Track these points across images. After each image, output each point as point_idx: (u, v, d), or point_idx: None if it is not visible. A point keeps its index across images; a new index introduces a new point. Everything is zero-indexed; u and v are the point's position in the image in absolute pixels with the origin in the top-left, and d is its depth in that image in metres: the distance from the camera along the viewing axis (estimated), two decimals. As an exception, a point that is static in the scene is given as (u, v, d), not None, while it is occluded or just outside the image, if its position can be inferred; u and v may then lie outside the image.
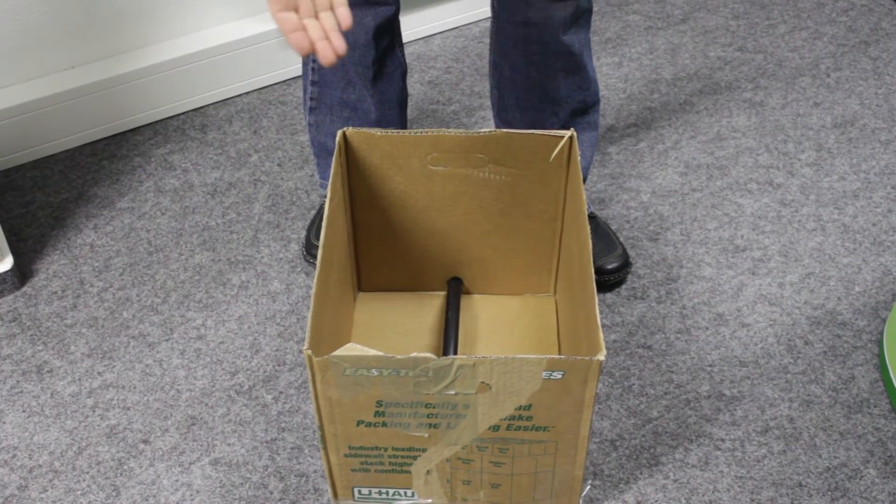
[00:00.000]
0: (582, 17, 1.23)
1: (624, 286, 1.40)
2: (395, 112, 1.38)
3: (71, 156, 1.68)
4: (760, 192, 1.56)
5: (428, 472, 1.04)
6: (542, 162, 1.15)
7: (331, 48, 0.89)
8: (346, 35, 1.26)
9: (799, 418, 1.22)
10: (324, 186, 1.46)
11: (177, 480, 1.17)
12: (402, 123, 1.42)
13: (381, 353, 0.89)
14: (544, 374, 0.90)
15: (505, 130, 1.12)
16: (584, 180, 1.38)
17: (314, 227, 1.45)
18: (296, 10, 0.90)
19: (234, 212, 1.55)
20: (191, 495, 1.15)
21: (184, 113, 1.77)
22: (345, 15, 0.90)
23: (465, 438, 0.99)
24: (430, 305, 1.30)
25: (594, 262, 1.00)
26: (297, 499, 1.14)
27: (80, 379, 1.29)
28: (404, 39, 1.92)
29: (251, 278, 1.43)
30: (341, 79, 1.33)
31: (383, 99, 1.35)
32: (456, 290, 1.28)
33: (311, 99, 1.37)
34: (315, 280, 0.96)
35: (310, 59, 1.34)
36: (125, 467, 1.19)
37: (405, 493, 1.08)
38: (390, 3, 1.27)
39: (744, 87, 1.81)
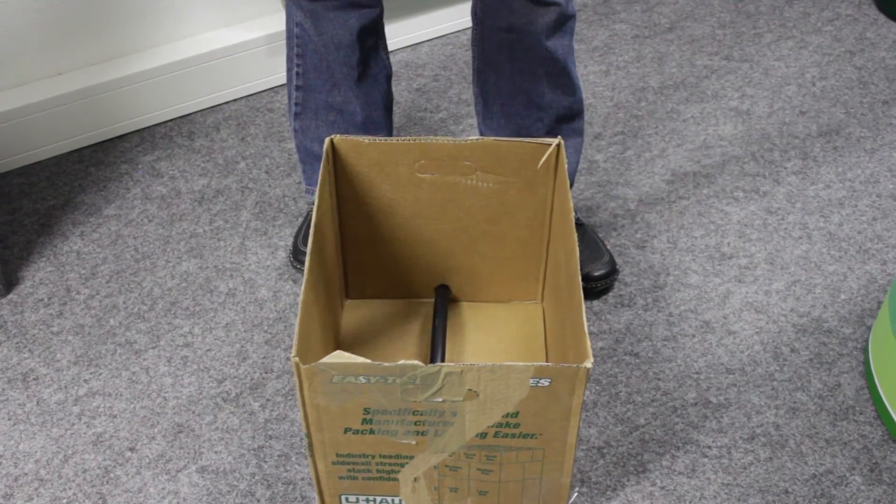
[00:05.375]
0: (566, 23, 1.24)
1: (611, 293, 1.41)
2: (381, 113, 1.39)
3: (57, 163, 1.67)
4: (747, 200, 1.57)
5: (415, 479, 1.04)
6: (529, 169, 1.15)
7: None
8: (331, 36, 1.27)
9: (785, 425, 1.22)
10: (311, 192, 1.46)
11: (163, 488, 1.16)
12: (389, 125, 1.43)
13: (368, 361, 0.89)
14: (531, 381, 0.90)
15: (492, 138, 1.12)
16: (570, 186, 1.39)
17: (301, 234, 1.45)
18: None
19: (222, 219, 1.55)
20: (178, 503, 1.15)
21: (171, 120, 1.77)
22: None
23: (453, 446, 0.99)
24: (418, 313, 1.30)
25: (581, 270, 1.00)
26: (285, 507, 1.14)
27: (66, 386, 1.29)
28: (392, 47, 1.92)
29: (238, 285, 1.43)
30: (326, 81, 1.33)
31: (369, 100, 1.36)
32: (443, 298, 1.28)
33: (297, 104, 1.37)
34: (303, 287, 0.96)
35: (294, 63, 1.34)
36: (112, 475, 1.18)
37: (393, 500, 1.08)
38: (374, 4, 1.28)
39: (730, 96, 1.82)
